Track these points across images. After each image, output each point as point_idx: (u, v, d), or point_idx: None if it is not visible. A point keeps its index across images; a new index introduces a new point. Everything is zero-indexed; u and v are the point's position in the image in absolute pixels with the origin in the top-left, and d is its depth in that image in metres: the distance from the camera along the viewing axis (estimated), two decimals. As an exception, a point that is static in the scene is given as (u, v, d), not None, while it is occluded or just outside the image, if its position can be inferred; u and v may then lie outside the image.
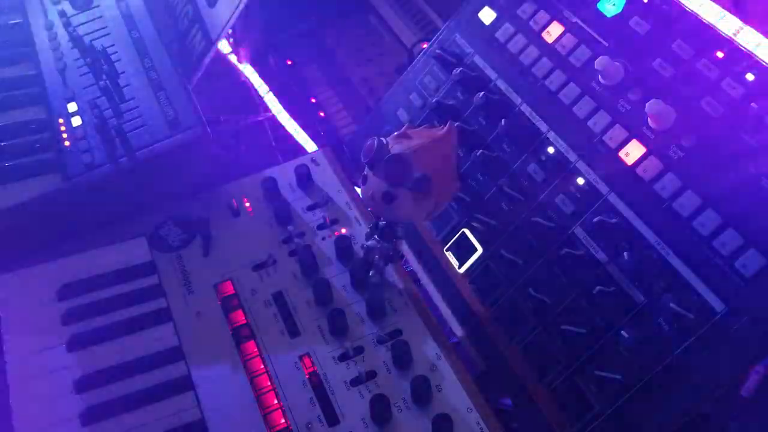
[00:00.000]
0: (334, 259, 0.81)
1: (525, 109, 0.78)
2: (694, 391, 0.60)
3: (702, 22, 0.69)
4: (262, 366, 0.73)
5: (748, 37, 0.66)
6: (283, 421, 0.69)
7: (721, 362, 0.59)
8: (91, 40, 0.98)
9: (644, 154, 0.68)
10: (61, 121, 0.90)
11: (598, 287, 0.67)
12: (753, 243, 0.59)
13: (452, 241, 0.80)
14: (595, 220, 0.69)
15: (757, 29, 0.66)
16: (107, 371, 0.73)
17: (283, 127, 1.09)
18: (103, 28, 1.01)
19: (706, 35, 0.68)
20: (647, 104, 0.67)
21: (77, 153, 0.86)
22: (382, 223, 0.73)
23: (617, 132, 0.71)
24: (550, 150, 0.75)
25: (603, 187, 0.70)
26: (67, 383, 0.72)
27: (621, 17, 0.75)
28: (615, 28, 0.75)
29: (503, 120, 0.78)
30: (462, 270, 0.78)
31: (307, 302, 0.77)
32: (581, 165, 0.72)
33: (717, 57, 0.67)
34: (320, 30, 1.27)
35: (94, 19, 1.03)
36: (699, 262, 0.62)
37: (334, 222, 0.85)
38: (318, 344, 0.74)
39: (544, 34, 0.80)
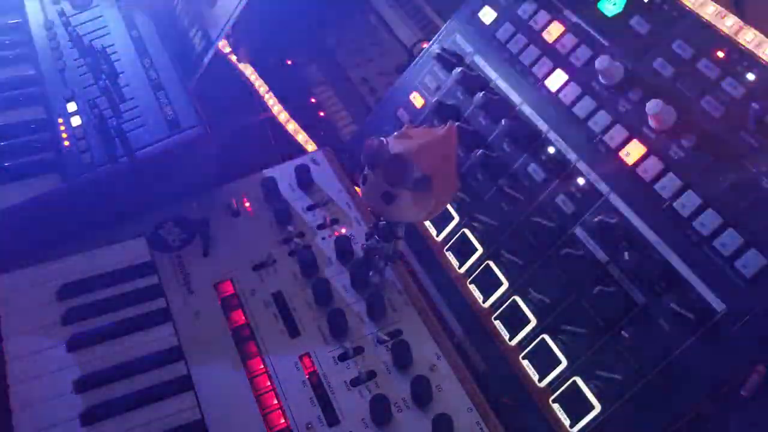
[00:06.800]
0: (334, 259, 0.81)
1: (525, 109, 0.78)
2: (694, 391, 0.60)
3: (702, 22, 0.69)
4: (262, 366, 0.73)
5: (748, 37, 0.66)
6: (283, 421, 0.69)
7: (721, 362, 0.59)
8: (90, 40, 0.98)
9: (644, 154, 0.68)
10: (60, 121, 0.90)
11: (598, 287, 0.67)
12: (753, 243, 0.60)
13: (452, 241, 0.80)
14: (596, 220, 0.69)
15: (757, 29, 0.66)
16: (107, 371, 0.73)
17: (283, 127, 1.09)
18: (103, 27, 1.02)
19: (706, 35, 0.68)
20: (647, 104, 0.67)
21: (77, 153, 0.85)
22: (382, 223, 0.73)
23: (617, 132, 0.71)
24: (550, 150, 0.75)
25: (603, 187, 0.70)
26: (67, 383, 0.72)
27: (621, 17, 0.75)
28: (615, 28, 0.75)
29: (503, 120, 0.78)
30: (462, 270, 0.78)
31: (307, 302, 0.77)
32: (581, 165, 0.72)
33: (717, 57, 0.67)
34: (320, 30, 1.27)
35: (93, 19, 1.04)
36: (699, 262, 0.62)
37: (334, 222, 0.85)
38: (318, 344, 0.74)
39: (545, 34, 0.80)
